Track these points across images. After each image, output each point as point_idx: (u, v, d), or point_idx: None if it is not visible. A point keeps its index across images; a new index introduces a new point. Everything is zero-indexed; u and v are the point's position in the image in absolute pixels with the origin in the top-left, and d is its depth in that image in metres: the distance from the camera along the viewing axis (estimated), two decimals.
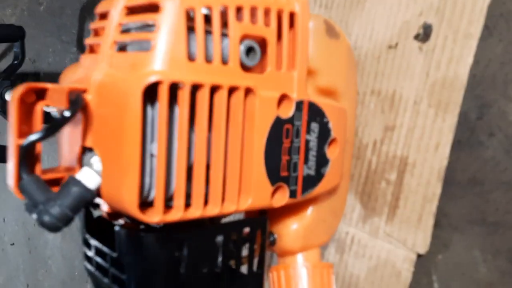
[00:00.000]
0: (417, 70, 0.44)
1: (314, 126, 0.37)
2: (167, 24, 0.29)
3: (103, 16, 0.33)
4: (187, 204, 0.31)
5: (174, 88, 0.29)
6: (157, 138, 0.29)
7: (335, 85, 0.41)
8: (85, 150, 0.33)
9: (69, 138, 0.35)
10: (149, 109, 0.30)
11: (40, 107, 0.33)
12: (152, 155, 0.30)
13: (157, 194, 0.29)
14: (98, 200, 0.34)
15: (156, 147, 0.29)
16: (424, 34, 0.44)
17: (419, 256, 0.46)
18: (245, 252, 0.36)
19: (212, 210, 0.32)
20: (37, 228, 1.27)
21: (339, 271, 0.51)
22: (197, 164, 0.31)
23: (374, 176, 0.48)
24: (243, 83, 0.31)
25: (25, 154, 0.30)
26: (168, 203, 0.31)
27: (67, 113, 0.28)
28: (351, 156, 0.45)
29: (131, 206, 0.29)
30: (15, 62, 0.93)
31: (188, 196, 0.32)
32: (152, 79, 0.28)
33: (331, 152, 0.39)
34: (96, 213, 0.38)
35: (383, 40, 0.47)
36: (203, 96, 0.30)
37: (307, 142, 0.37)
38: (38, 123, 0.33)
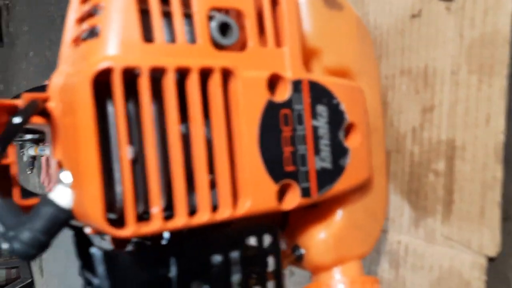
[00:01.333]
0: (448, 35, 0.37)
1: (322, 109, 0.31)
2: (115, 3, 0.25)
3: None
4: (170, 215, 0.26)
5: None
6: (117, 137, 0.25)
7: (346, 64, 0.35)
8: (60, 166, 0.29)
9: (50, 159, 0.32)
10: (111, 109, 0.26)
11: None
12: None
13: (126, 202, 0.25)
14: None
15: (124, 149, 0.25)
16: None
17: (490, 259, 0.37)
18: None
19: (201, 217, 0.26)
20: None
21: None
22: (174, 164, 0.26)
23: (419, 170, 0.40)
24: (218, 63, 0.27)
25: None
26: (146, 215, 0.26)
27: (16, 120, 0.25)
28: (383, 148, 0.38)
29: (97, 219, 0.24)
30: None
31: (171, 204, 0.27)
32: (101, 66, 0.24)
33: (350, 140, 0.33)
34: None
35: (404, 11, 0.40)
36: (168, 83, 0.26)
37: (314, 129, 0.31)
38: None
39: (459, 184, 0.37)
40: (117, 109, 0.24)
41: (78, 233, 0.32)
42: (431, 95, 0.39)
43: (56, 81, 0.28)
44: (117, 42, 0.24)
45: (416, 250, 0.42)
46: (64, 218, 0.27)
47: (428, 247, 0.40)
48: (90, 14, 0.28)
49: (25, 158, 1.29)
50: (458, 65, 0.37)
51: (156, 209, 0.25)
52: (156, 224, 0.25)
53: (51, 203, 0.27)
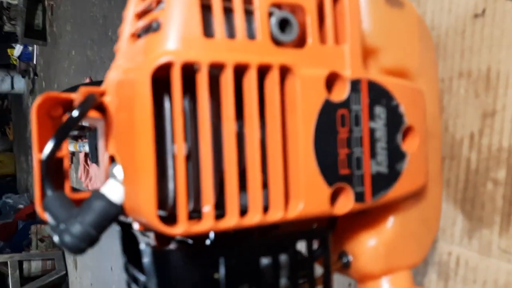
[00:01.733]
0: None
1: (380, 110, 0.30)
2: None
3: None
4: (222, 214, 0.26)
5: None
6: (172, 133, 0.24)
7: (405, 65, 0.33)
8: (112, 160, 0.29)
9: (100, 153, 0.32)
10: (168, 104, 0.25)
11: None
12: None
13: (178, 200, 0.24)
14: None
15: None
16: None
17: None
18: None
19: (252, 218, 0.26)
20: None
21: None
22: (228, 163, 0.25)
23: (476, 178, 0.38)
24: (277, 60, 0.26)
25: (47, 168, 0.28)
26: (199, 214, 0.26)
27: (75, 113, 0.25)
28: (439, 154, 0.36)
29: (149, 215, 0.24)
30: None
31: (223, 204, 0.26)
32: (161, 60, 0.23)
33: (408, 144, 0.31)
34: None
35: (466, 10, 0.38)
36: (226, 78, 0.25)
37: (371, 131, 0.29)
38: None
39: None
40: (174, 104, 0.24)
41: (125, 229, 0.32)
42: (493, 99, 0.37)
43: (112, 76, 0.27)
44: (178, 37, 0.24)
45: (468, 262, 0.39)
46: (114, 213, 0.27)
47: (483, 260, 0.38)
48: (150, 10, 0.27)
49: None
50: None
51: (208, 208, 0.25)
52: (207, 223, 0.24)
53: (103, 198, 0.26)
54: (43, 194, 0.28)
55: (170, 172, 0.25)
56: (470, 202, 0.39)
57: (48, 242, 2.63)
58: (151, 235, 0.35)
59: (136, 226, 0.31)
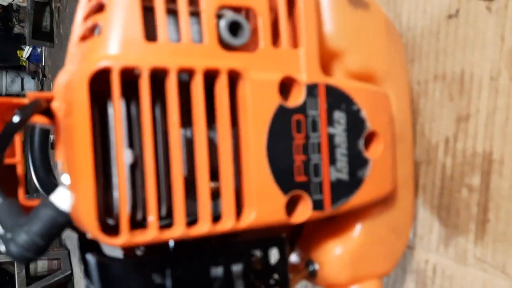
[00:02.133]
0: (488, 37, 0.34)
1: (339, 116, 0.29)
2: (118, 0, 0.24)
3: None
4: (170, 223, 0.25)
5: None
6: (114, 140, 0.24)
7: (372, 67, 0.32)
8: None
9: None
10: (110, 110, 0.25)
11: None
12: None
13: (121, 209, 0.23)
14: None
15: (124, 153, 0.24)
16: None
17: None
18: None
19: (200, 228, 0.25)
20: None
21: None
22: (174, 170, 0.25)
23: (451, 184, 0.37)
24: (225, 64, 0.25)
25: None
26: (144, 223, 0.25)
27: (15, 119, 0.25)
28: (410, 159, 0.35)
29: (89, 225, 0.23)
30: None
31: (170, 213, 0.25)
32: (99, 65, 0.23)
33: (371, 150, 0.30)
34: None
35: (440, 10, 0.37)
36: (170, 84, 0.24)
37: (330, 136, 0.28)
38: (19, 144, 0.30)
39: (495, 201, 0.34)
40: (114, 110, 0.23)
41: (82, 236, 0.31)
42: (467, 103, 0.36)
43: (61, 80, 0.27)
44: (118, 41, 0.23)
45: (445, 271, 0.38)
46: (62, 222, 0.26)
47: (459, 268, 0.37)
48: (96, 11, 0.27)
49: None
50: (498, 71, 0.33)
51: (152, 217, 0.24)
52: (151, 233, 0.24)
53: (50, 206, 0.26)
54: None
55: (114, 180, 0.25)
56: (445, 209, 0.38)
57: (55, 242, 2.64)
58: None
59: (89, 235, 0.30)
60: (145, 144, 0.24)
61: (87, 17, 0.27)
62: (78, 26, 0.27)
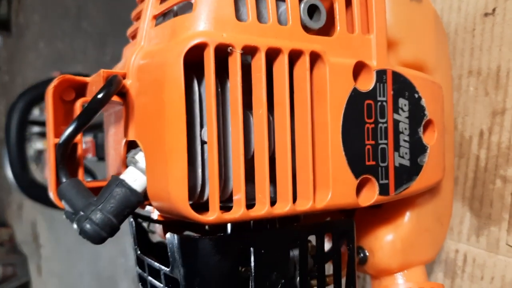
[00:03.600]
0: None
1: (403, 102, 0.29)
2: None
3: (141, 0, 0.29)
4: (252, 204, 0.25)
5: (225, 61, 0.24)
6: (206, 118, 0.23)
7: (423, 59, 0.33)
8: (130, 148, 0.28)
9: (114, 139, 0.30)
10: (196, 88, 0.25)
11: (81, 104, 0.29)
12: (204, 143, 0.25)
13: (210, 187, 0.23)
14: (147, 209, 0.29)
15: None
16: None
17: None
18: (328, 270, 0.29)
19: (281, 207, 0.25)
20: (111, 280, 1.25)
21: None
22: (258, 150, 0.25)
23: (484, 175, 0.39)
24: (308, 47, 0.25)
25: (63, 154, 0.26)
26: (227, 204, 0.25)
27: (99, 95, 0.24)
28: (452, 150, 0.36)
29: (179, 202, 0.23)
30: None
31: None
32: (194, 41, 0.22)
33: (428, 137, 0.31)
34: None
35: (475, 9, 0.39)
36: (258, 63, 0.24)
37: (395, 122, 0.29)
38: None
39: None
40: (208, 86, 0.23)
41: (136, 220, 0.30)
42: (502, 98, 0.37)
43: (133, 59, 0.26)
44: (212, 18, 0.23)
45: (475, 260, 0.40)
46: (135, 201, 0.25)
47: (490, 256, 0.38)
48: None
49: (31, 152, 1.24)
50: None
51: (239, 196, 0.24)
52: (239, 211, 0.24)
53: (124, 185, 0.25)
54: (58, 181, 0.26)
55: (198, 158, 0.24)
56: (478, 200, 0.39)
57: (9, 247, 2.50)
58: (158, 229, 0.33)
59: (154, 216, 0.30)
60: (233, 123, 0.24)
61: None
62: (152, 6, 0.27)
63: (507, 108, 0.37)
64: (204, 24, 0.23)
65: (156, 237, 0.33)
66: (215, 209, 0.23)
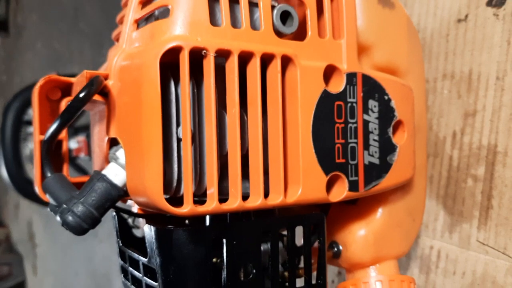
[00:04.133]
0: (495, 40, 0.37)
1: (373, 104, 0.31)
2: None
3: (125, 4, 0.31)
4: (227, 199, 0.26)
5: (199, 64, 0.25)
6: (181, 116, 0.25)
7: (395, 62, 0.35)
8: (113, 145, 0.30)
9: (98, 137, 0.32)
10: (173, 88, 0.26)
11: (66, 103, 0.30)
12: (180, 140, 0.26)
13: (185, 181, 0.25)
14: (128, 203, 0.30)
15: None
16: None
17: None
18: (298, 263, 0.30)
19: (254, 201, 0.27)
20: (106, 278, 1.26)
21: None
22: (231, 146, 0.26)
23: (457, 174, 0.40)
24: (279, 50, 0.27)
25: (48, 150, 0.28)
26: (203, 198, 0.27)
27: (81, 94, 0.25)
28: (425, 149, 0.38)
29: (155, 194, 0.24)
30: None
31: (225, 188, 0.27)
32: (170, 44, 0.24)
33: (398, 137, 0.33)
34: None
35: (450, 15, 0.41)
36: (231, 65, 0.26)
37: (365, 123, 0.31)
38: None
39: (498, 189, 0.37)
40: (183, 87, 0.24)
41: (118, 214, 0.32)
42: (474, 100, 0.39)
43: (115, 61, 0.28)
44: (187, 23, 0.25)
45: (448, 255, 0.41)
46: (116, 195, 0.27)
47: (462, 252, 0.40)
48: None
49: (27, 152, 1.26)
50: (504, 71, 0.37)
51: (213, 190, 0.25)
52: (212, 204, 0.25)
53: (105, 179, 0.27)
54: (43, 176, 0.28)
55: (174, 154, 0.26)
56: (451, 198, 0.41)
57: (5, 246, 2.51)
58: (142, 224, 0.35)
59: (134, 209, 0.31)
60: (207, 120, 0.25)
61: (144, 2, 0.28)
62: (134, 10, 0.28)
63: (477, 110, 0.39)
64: (180, 28, 0.25)
65: (141, 232, 0.34)
66: (189, 202, 0.25)
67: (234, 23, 0.27)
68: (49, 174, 0.28)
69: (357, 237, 0.34)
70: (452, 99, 0.40)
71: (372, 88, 0.31)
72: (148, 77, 0.24)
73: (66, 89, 0.30)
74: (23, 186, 0.88)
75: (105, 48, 1.28)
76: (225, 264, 0.26)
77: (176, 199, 0.26)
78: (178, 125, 0.26)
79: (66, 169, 0.30)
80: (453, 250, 0.41)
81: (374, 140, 0.31)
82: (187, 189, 0.25)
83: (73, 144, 0.81)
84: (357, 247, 0.34)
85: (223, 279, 0.26)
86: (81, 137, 0.71)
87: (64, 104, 0.30)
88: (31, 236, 2.00)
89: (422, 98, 0.37)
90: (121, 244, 0.31)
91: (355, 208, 0.36)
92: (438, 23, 0.41)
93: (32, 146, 1.24)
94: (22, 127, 0.92)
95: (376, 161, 0.31)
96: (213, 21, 0.26)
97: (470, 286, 0.39)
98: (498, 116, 0.37)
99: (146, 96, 0.24)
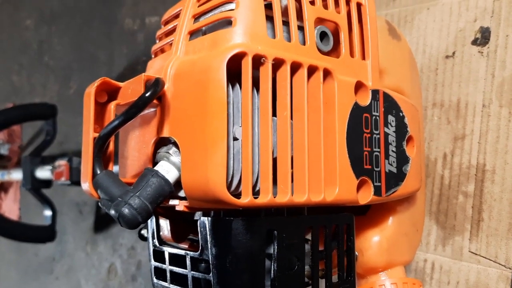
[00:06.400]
0: (480, 74, 0.43)
1: (391, 119, 0.35)
2: (246, 1, 0.28)
3: (174, 17, 0.34)
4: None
5: (255, 75, 0.28)
6: (241, 116, 0.27)
7: (401, 87, 0.39)
8: (158, 147, 0.31)
9: (140, 141, 0.33)
10: (230, 91, 0.29)
11: (111, 107, 0.32)
12: (235, 139, 0.29)
13: (244, 175, 0.27)
14: (173, 201, 0.32)
15: (240, 130, 0.28)
16: (483, 38, 0.43)
17: None
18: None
19: (300, 197, 0.29)
20: None
21: None
22: (281, 147, 0.29)
23: (448, 192, 0.45)
24: (322, 64, 0.30)
25: (101, 147, 0.29)
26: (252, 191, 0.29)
27: (148, 93, 0.27)
28: (424, 164, 0.42)
29: (218, 187, 0.26)
30: (47, 138, 0.92)
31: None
32: (237, 50, 0.27)
33: (409, 150, 0.37)
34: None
35: (438, 52, 0.46)
36: (284, 74, 0.29)
37: (385, 135, 0.34)
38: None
39: (488, 203, 0.42)
40: (244, 91, 0.27)
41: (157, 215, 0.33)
42: (462, 125, 0.44)
43: (170, 67, 0.30)
44: (248, 34, 0.28)
45: (442, 267, 0.45)
46: (168, 191, 0.28)
47: (455, 263, 0.44)
48: (204, 13, 0.31)
49: None
50: (490, 100, 0.42)
51: (267, 185, 0.28)
52: (266, 197, 0.27)
53: (159, 175, 0.28)
54: (94, 173, 0.29)
55: (231, 152, 0.28)
56: (444, 213, 0.45)
57: None
58: (166, 230, 0.36)
59: (179, 208, 0.32)
60: (263, 122, 0.28)
61: (197, 15, 0.31)
62: (187, 23, 0.31)
63: (466, 134, 0.44)
64: (243, 37, 0.28)
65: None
66: (248, 194, 0.27)
67: (285, 36, 0.30)
68: (99, 171, 0.29)
69: (372, 243, 0.37)
70: (442, 124, 0.46)
71: (391, 105, 0.35)
72: (216, 79, 0.27)
73: (112, 93, 0.32)
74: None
75: (73, 81, 1.27)
76: (275, 255, 0.28)
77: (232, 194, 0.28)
78: (233, 125, 0.29)
79: (111, 167, 0.31)
80: (446, 261, 0.44)
81: (393, 151, 0.35)
82: (246, 182, 0.27)
83: (47, 173, 0.79)
84: (372, 252, 0.37)
85: (272, 270, 0.28)
86: (63, 161, 0.70)
87: (112, 107, 0.31)
88: None
89: (421, 119, 0.42)
90: (158, 245, 0.32)
91: (366, 218, 0.39)
92: (427, 59, 0.47)
93: None
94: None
95: (394, 170, 0.35)
96: (268, 33, 0.29)
97: None
98: (485, 139, 0.42)
99: (212, 96, 0.27)
